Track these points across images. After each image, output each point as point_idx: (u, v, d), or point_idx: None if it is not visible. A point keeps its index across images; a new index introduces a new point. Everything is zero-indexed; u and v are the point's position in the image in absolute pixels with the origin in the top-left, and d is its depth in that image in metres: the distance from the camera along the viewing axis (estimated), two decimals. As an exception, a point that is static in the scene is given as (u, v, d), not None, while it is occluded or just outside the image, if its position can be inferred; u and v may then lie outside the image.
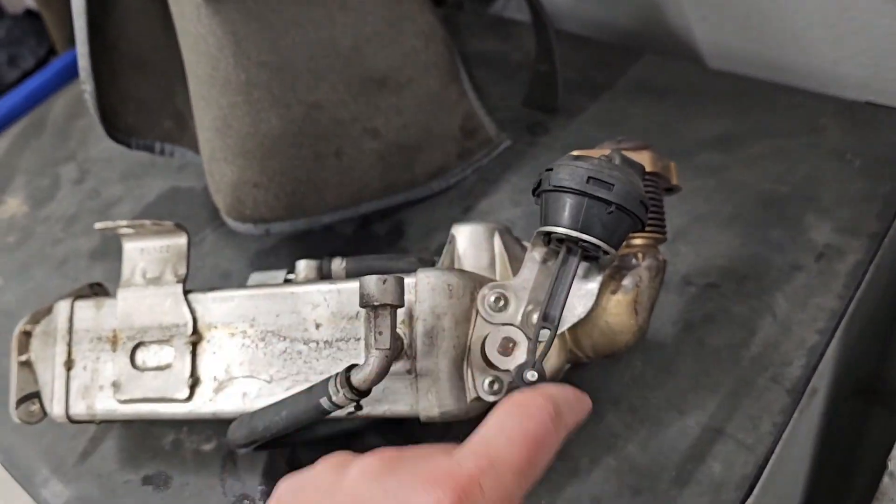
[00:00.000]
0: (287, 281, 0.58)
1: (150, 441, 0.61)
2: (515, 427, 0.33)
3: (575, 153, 0.47)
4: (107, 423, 0.63)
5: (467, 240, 0.54)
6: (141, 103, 0.71)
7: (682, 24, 0.83)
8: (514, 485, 0.31)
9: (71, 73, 1.04)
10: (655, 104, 0.76)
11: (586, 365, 0.57)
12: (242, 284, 0.59)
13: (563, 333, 0.50)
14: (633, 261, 0.50)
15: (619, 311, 0.49)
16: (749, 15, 0.77)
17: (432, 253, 0.67)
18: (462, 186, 0.72)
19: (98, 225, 0.56)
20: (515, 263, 0.53)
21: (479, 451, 0.32)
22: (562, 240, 0.46)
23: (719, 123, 0.72)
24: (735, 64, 0.81)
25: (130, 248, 0.58)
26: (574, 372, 0.57)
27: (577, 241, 0.44)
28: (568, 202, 0.44)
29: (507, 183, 0.72)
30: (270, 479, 0.57)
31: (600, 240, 0.43)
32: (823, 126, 0.69)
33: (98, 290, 0.63)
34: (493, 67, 0.84)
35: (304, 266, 0.56)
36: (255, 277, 0.58)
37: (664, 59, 0.81)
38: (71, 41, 1.17)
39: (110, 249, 0.78)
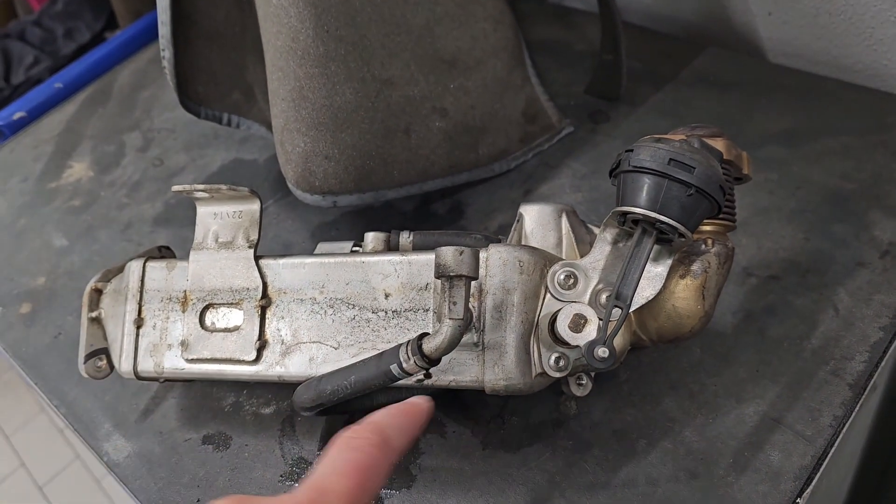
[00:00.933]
0: (355, 251, 0.59)
1: (211, 402, 0.63)
2: (343, 460, 0.36)
3: (654, 136, 0.47)
4: (168, 384, 0.64)
5: (535, 219, 0.55)
6: (212, 74, 0.73)
7: (747, 19, 0.83)
8: None
9: (135, 45, 1.06)
10: (718, 97, 0.76)
11: (646, 349, 0.57)
12: (310, 253, 0.60)
13: (628, 316, 0.51)
14: (703, 246, 0.50)
15: (686, 295, 0.49)
16: (817, 13, 0.76)
17: (493, 233, 0.67)
18: (523, 170, 0.73)
19: (176, 188, 0.58)
20: (581, 245, 0.54)
21: (312, 484, 0.34)
22: (637, 220, 0.46)
23: (783, 118, 0.72)
24: (798, 60, 0.81)
25: (204, 212, 0.59)
26: (633, 355, 0.57)
27: (654, 221, 0.44)
28: (647, 183, 0.44)
29: (567, 168, 0.72)
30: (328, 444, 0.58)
31: (678, 222, 0.44)
32: (891, 125, 0.68)
33: (166, 253, 0.64)
34: (557, 55, 0.84)
35: (372, 237, 0.57)
36: (324, 247, 0.59)
37: (728, 52, 0.81)
38: (134, 15, 1.19)
39: (173, 216, 0.79)
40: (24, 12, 2.19)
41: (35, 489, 1.89)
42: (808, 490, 0.50)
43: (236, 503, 0.34)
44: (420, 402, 0.43)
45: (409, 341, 0.46)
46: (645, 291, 0.48)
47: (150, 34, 1.07)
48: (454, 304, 0.45)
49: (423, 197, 0.73)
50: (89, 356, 0.60)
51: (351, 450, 0.37)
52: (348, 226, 0.72)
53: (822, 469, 0.51)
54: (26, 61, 1.86)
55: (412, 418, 0.41)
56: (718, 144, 0.49)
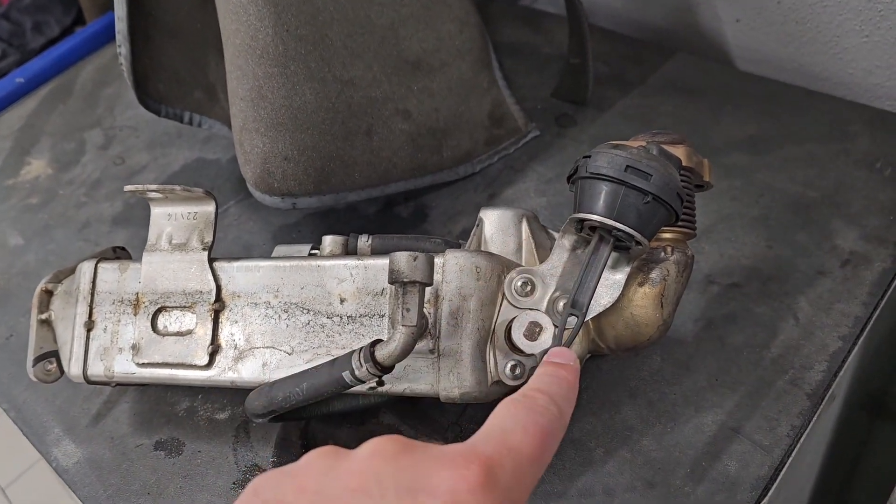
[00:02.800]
0: (312, 255, 0.58)
1: (164, 407, 0.62)
2: (531, 421, 0.33)
3: (612, 143, 0.47)
4: (121, 388, 0.63)
5: (495, 224, 0.54)
6: (173, 72, 0.71)
7: (715, 25, 0.83)
8: (530, 472, 0.31)
9: (100, 40, 1.05)
10: (685, 102, 0.76)
11: (605, 356, 0.57)
12: (267, 256, 0.59)
13: (586, 323, 0.50)
14: (662, 254, 0.50)
15: (644, 303, 0.49)
16: (785, 21, 0.76)
17: (455, 237, 0.67)
18: (488, 173, 0.72)
19: (128, 187, 0.56)
20: (541, 251, 0.53)
21: (496, 437, 0.32)
22: (594, 227, 0.46)
23: (749, 125, 0.72)
24: (766, 67, 0.81)
25: (158, 212, 0.58)
26: (592, 362, 0.57)
27: (610, 229, 0.44)
28: (604, 190, 0.44)
29: (533, 172, 0.72)
30: (282, 451, 0.57)
31: (634, 229, 0.43)
32: (854, 134, 0.69)
33: (121, 254, 0.63)
34: (524, 58, 0.83)
35: (330, 241, 0.56)
36: (281, 250, 0.58)
37: (696, 58, 0.81)
38: (100, 9, 1.17)
39: (132, 216, 0.78)
40: (-8, 5, 2.15)
41: (-2, 491, 1.85)
42: (765, 500, 0.50)
43: (393, 443, 0.31)
44: (574, 367, 0.39)
45: (361, 348, 0.45)
46: (602, 299, 0.48)
47: (114, 31, 1.05)
48: (407, 310, 0.44)
49: (385, 200, 0.72)
50: (38, 359, 0.59)
51: (537, 413, 0.34)
52: (310, 228, 0.71)
53: (779, 479, 0.50)
54: (-7, 55, 1.82)
55: (572, 387, 0.38)
56: (679, 151, 0.49)
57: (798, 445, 0.51)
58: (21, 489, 1.85)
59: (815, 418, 0.52)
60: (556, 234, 0.55)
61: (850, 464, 0.87)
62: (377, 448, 0.30)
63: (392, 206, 0.72)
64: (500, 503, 0.28)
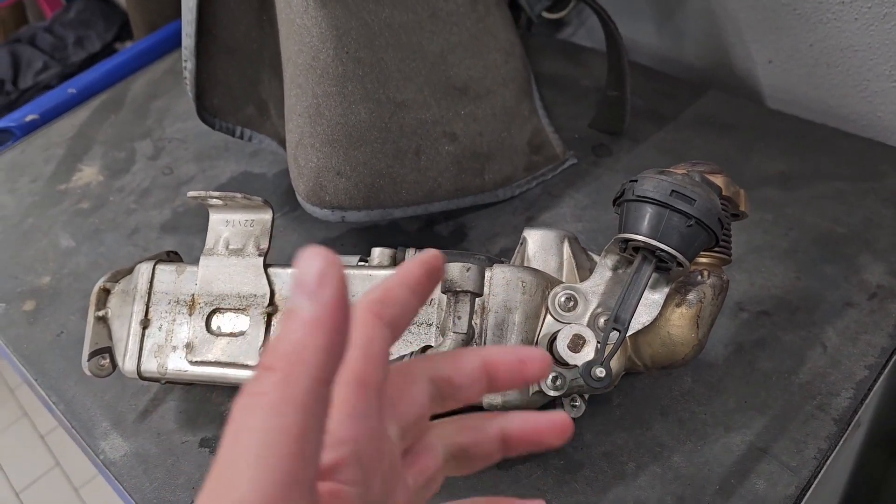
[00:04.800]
0: (360, 265, 0.61)
1: (209, 406, 0.64)
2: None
3: (658, 169, 0.49)
4: (168, 386, 0.65)
5: (538, 243, 0.57)
6: (228, 87, 0.75)
7: (748, 65, 0.86)
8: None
9: (150, 56, 1.09)
10: (718, 138, 0.78)
11: (639, 374, 0.59)
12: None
13: (624, 341, 0.53)
14: (699, 277, 0.52)
15: (681, 323, 0.51)
16: (815, 63, 0.79)
17: (494, 256, 0.69)
18: (526, 197, 0.75)
19: (191, 193, 0.59)
20: (581, 271, 0.56)
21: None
22: (638, 248, 0.48)
23: (779, 161, 0.74)
24: (795, 107, 0.84)
25: (216, 218, 0.61)
26: (626, 380, 0.59)
27: (654, 249, 0.46)
28: (650, 212, 0.46)
29: (569, 198, 0.75)
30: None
31: (677, 250, 0.46)
32: (882, 173, 0.71)
33: (174, 258, 0.66)
34: (563, 89, 0.87)
35: (379, 253, 0.59)
36: (330, 259, 0.61)
37: (728, 95, 0.84)
38: (149, 27, 1.22)
39: (180, 224, 0.81)
40: (34, 18, 2.22)
41: (12, 495, 1.87)
42: (791, 520, 0.51)
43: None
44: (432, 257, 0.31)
45: (412, 352, 0.48)
46: (642, 317, 0.50)
47: (165, 46, 1.10)
48: (458, 318, 0.47)
49: (427, 218, 0.75)
50: (93, 354, 0.61)
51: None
52: (352, 242, 0.74)
53: (805, 499, 0.52)
54: (35, 66, 1.88)
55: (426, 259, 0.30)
56: (718, 180, 0.52)
57: (824, 468, 0.53)
58: (35, 495, 1.87)
59: (841, 442, 0.54)
60: (595, 256, 0.57)
61: (873, 490, 0.88)
62: None
63: (433, 224, 0.75)
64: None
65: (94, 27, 1.89)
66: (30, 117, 1.01)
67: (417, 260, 0.31)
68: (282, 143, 0.77)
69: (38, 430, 1.99)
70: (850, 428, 0.55)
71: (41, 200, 0.88)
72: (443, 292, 0.47)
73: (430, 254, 0.31)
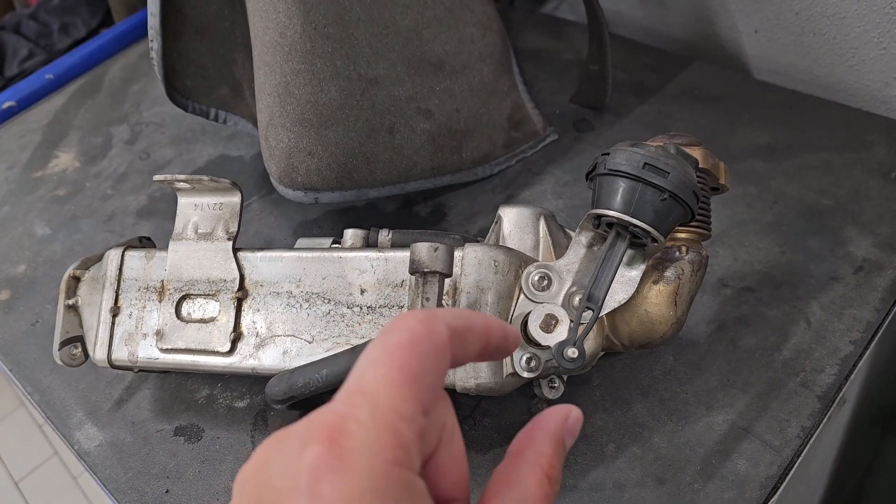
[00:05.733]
0: (334, 247, 0.60)
1: (184, 394, 0.63)
2: (380, 347, 0.27)
3: (630, 142, 0.48)
4: (143, 375, 0.64)
5: (513, 221, 0.55)
6: (201, 68, 0.73)
7: (733, 36, 0.84)
8: (398, 396, 0.26)
9: (128, 40, 1.07)
10: (703, 110, 0.77)
11: (619, 354, 0.58)
12: (289, 248, 0.60)
13: (601, 319, 0.51)
14: (677, 253, 0.51)
15: (659, 300, 0.50)
16: (802, 32, 0.77)
17: (473, 236, 0.68)
18: (506, 175, 0.74)
19: (157, 177, 0.58)
20: (558, 249, 0.54)
21: (349, 387, 0.26)
22: (611, 224, 0.47)
23: (765, 133, 0.73)
24: (782, 77, 0.82)
25: (185, 202, 0.59)
26: (605, 360, 0.58)
27: (627, 225, 0.45)
28: (622, 186, 0.45)
29: (550, 175, 0.73)
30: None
31: (651, 226, 0.44)
32: (870, 143, 0.69)
33: (146, 244, 0.64)
34: (544, 64, 0.85)
35: (351, 234, 0.57)
36: (303, 242, 0.60)
37: (713, 67, 0.82)
38: (128, 10, 1.20)
39: (157, 209, 0.79)
40: (20, 5, 2.19)
41: (11, 484, 1.87)
42: (774, 499, 0.50)
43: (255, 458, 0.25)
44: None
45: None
46: (618, 295, 0.49)
47: (143, 29, 1.08)
48: (427, 300, 0.45)
49: (405, 198, 0.73)
50: (64, 343, 0.60)
51: (388, 336, 0.27)
52: (330, 224, 0.73)
53: (788, 478, 0.51)
54: (21, 54, 1.85)
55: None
56: (696, 153, 0.50)
57: (808, 446, 0.52)
58: (34, 483, 1.87)
59: (825, 420, 0.53)
60: (572, 234, 0.56)
61: (861, 477, 0.87)
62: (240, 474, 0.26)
63: (411, 204, 0.73)
64: (354, 473, 0.23)
65: (79, 13, 1.86)
66: (6, 104, 0.99)
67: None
68: (257, 124, 0.75)
69: (35, 419, 1.99)
70: (834, 405, 0.53)
71: (17, 188, 0.86)
72: (411, 273, 0.46)
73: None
